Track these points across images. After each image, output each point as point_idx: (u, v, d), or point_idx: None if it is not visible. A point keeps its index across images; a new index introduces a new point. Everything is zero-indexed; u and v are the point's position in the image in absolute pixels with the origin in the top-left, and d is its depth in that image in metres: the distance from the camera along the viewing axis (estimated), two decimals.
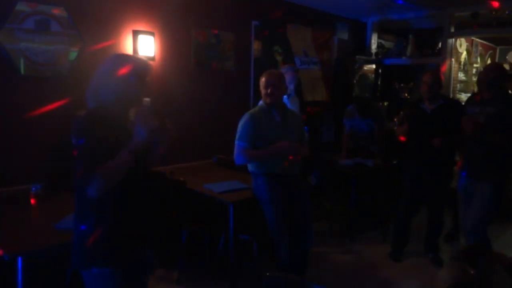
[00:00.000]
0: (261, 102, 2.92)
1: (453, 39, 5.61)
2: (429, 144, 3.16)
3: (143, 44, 3.39)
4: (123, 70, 1.59)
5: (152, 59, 3.49)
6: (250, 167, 2.85)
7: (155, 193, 1.78)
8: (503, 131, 2.83)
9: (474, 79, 7.56)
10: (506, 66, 7.73)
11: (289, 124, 2.82)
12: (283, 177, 2.78)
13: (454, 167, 3.46)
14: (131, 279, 1.69)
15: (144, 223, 1.70)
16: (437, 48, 5.85)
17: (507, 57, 8.31)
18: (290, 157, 2.73)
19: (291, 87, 3.75)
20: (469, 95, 5.68)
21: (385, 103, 6.02)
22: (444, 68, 5.48)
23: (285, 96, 3.43)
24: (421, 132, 3.22)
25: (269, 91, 2.73)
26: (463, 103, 3.51)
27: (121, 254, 1.62)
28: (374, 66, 5.97)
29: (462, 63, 7.26)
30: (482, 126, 2.86)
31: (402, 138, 3.31)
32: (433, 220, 3.50)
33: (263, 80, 2.77)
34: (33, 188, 2.61)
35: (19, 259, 1.88)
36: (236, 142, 2.75)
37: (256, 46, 4.45)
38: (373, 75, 5.98)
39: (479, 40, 7.66)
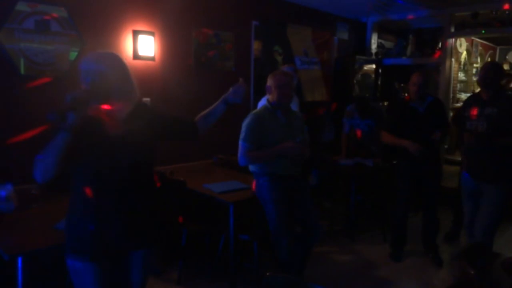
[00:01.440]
0: (263, 103, 2.90)
1: (453, 39, 5.61)
2: (422, 143, 3.18)
3: (143, 44, 3.39)
4: None
5: (152, 59, 3.49)
6: (251, 167, 2.85)
7: (143, 193, 1.73)
8: (507, 132, 2.81)
9: (474, 79, 7.57)
10: (506, 66, 7.75)
11: (294, 125, 2.82)
12: (285, 177, 2.77)
13: (443, 165, 3.49)
14: (112, 278, 1.70)
15: (124, 223, 1.67)
16: (437, 48, 5.85)
17: (507, 57, 8.32)
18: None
19: None
20: (469, 95, 5.69)
21: (385, 103, 6.02)
22: (437, 54, 5.54)
23: None
24: (415, 131, 3.24)
25: (286, 92, 2.73)
26: (462, 103, 3.52)
27: (93, 250, 1.64)
28: (374, 66, 5.97)
29: (462, 63, 7.27)
30: (483, 135, 2.86)
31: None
32: (428, 220, 3.51)
33: (277, 80, 2.75)
34: (33, 188, 2.61)
35: (19, 259, 1.88)
36: (240, 142, 2.73)
37: (256, 46, 4.45)
38: (373, 75, 5.98)
39: (479, 40, 7.67)
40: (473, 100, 3.15)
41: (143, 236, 1.76)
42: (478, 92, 3.14)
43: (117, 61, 1.68)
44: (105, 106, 1.61)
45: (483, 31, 5.32)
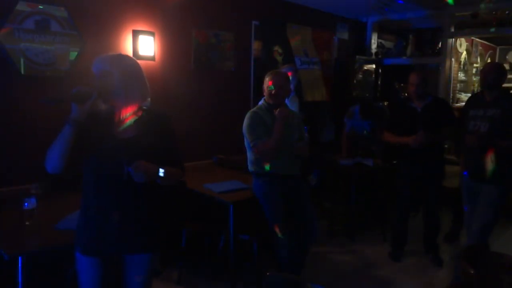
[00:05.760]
0: (261, 102, 2.90)
1: (453, 39, 5.61)
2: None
3: (143, 44, 3.39)
4: None
5: (152, 59, 3.49)
6: (250, 167, 2.84)
7: (142, 197, 1.71)
8: (509, 134, 2.80)
9: (474, 79, 7.58)
10: (506, 66, 7.75)
11: (290, 124, 2.81)
12: (284, 177, 2.77)
13: (446, 165, 3.47)
14: (105, 276, 1.72)
15: (119, 224, 1.66)
16: (437, 48, 5.86)
17: (507, 57, 8.32)
18: None
19: (291, 87, 3.75)
20: (469, 95, 5.69)
21: (385, 103, 6.03)
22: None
23: None
24: (412, 131, 3.22)
25: (273, 92, 2.71)
26: (462, 103, 3.51)
27: (85, 245, 1.70)
28: (374, 66, 5.97)
29: (462, 63, 7.27)
30: (486, 137, 2.85)
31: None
32: (429, 220, 3.50)
33: (267, 79, 2.74)
34: (33, 188, 2.61)
35: (19, 259, 1.88)
36: (252, 144, 2.66)
37: (256, 46, 4.45)
38: (373, 75, 5.98)
39: (479, 40, 7.67)
40: (475, 101, 3.13)
41: (139, 241, 1.73)
42: (481, 92, 3.11)
43: (124, 62, 1.71)
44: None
45: (492, 29, 5.24)
